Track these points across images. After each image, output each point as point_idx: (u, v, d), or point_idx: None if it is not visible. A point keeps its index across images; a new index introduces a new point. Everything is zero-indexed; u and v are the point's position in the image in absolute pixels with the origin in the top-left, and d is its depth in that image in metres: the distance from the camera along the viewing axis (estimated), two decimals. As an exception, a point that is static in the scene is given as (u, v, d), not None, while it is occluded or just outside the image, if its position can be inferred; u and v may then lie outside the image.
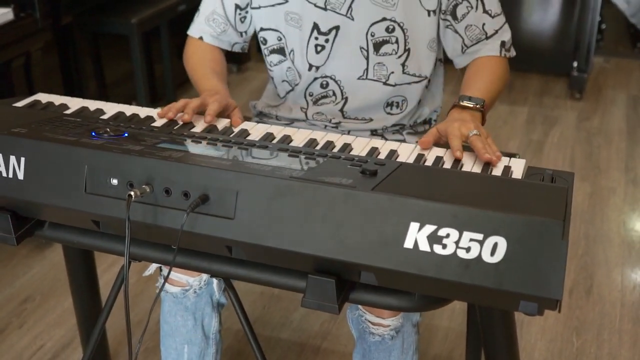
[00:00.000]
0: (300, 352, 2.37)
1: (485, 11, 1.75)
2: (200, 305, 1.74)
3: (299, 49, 1.79)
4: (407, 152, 1.46)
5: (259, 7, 1.80)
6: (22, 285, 2.68)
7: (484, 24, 1.76)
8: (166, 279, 1.29)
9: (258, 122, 1.89)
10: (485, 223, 1.07)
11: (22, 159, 1.28)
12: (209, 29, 1.88)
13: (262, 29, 1.83)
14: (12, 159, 1.29)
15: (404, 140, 1.81)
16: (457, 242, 1.07)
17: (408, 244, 1.09)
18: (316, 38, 1.76)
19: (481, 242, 1.07)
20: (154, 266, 1.75)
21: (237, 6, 1.84)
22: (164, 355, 1.84)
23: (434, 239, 1.08)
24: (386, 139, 1.77)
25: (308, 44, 1.77)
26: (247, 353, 2.36)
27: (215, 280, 1.73)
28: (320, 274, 1.19)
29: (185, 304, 1.74)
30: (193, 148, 1.30)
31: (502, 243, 1.06)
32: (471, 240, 1.07)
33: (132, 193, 1.16)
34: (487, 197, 1.16)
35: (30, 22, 2.67)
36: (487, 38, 1.76)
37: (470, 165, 1.43)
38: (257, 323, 2.49)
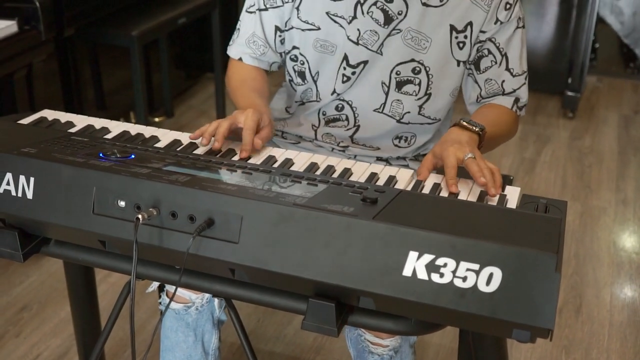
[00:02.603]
0: (293, 366, 2.40)
1: (507, 69, 1.79)
2: (201, 322, 1.77)
3: (328, 72, 1.81)
4: (405, 178, 1.49)
5: (292, 28, 1.83)
6: (19, 294, 2.71)
7: (503, 81, 1.79)
8: (172, 298, 1.32)
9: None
10: (481, 254, 1.11)
11: (32, 179, 1.32)
12: (249, 50, 1.90)
13: (294, 47, 1.85)
14: (22, 178, 1.32)
15: (407, 166, 1.85)
16: (454, 272, 1.11)
17: (407, 272, 1.13)
18: (344, 68, 1.79)
19: (477, 272, 1.11)
20: (156, 283, 1.79)
21: (277, 28, 1.86)
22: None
23: (431, 267, 1.12)
24: (391, 164, 1.82)
25: (338, 72, 1.80)
26: (241, 366, 2.39)
27: (216, 299, 1.76)
28: (320, 297, 1.23)
29: (186, 320, 1.77)
30: (198, 172, 1.33)
31: (498, 273, 1.10)
32: (468, 270, 1.11)
33: (140, 216, 1.20)
34: (483, 227, 1.20)
35: (33, 34, 2.70)
36: (502, 95, 1.80)
37: (466, 191, 1.47)
38: (251, 336, 2.51)
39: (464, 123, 1.62)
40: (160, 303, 1.96)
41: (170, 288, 1.77)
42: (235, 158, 1.55)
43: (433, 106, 1.83)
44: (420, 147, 1.89)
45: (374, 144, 1.86)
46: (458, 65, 1.78)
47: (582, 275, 2.90)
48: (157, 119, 3.97)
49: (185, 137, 1.63)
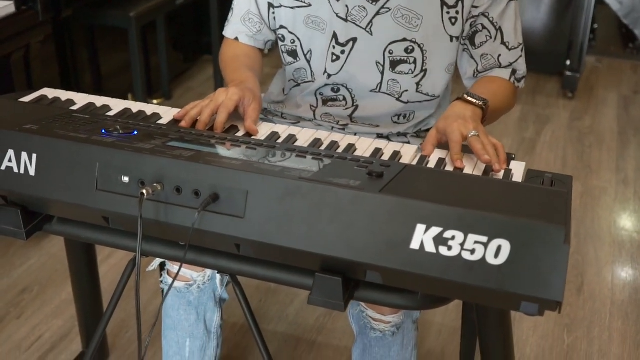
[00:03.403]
0: (295, 345, 2.40)
1: (503, 42, 1.77)
2: (203, 300, 1.77)
3: (319, 51, 1.79)
4: (410, 154, 1.49)
5: (280, 6, 1.81)
6: (19, 276, 2.70)
7: (499, 55, 1.78)
8: (176, 276, 1.31)
9: (263, 119, 1.91)
10: (490, 226, 1.10)
11: (34, 156, 1.31)
12: (245, 28, 1.88)
13: (281, 27, 1.84)
14: (24, 155, 1.31)
15: (408, 142, 1.84)
16: (462, 244, 1.11)
17: (414, 245, 1.12)
18: (333, 47, 1.77)
19: (485, 245, 1.10)
20: (157, 262, 1.78)
21: (270, 4, 1.84)
22: (165, 348, 1.86)
23: (439, 240, 1.11)
24: (391, 141, 1.80)
25: (328, 50, 1.78)
26: (244, 345, 2.39)
27: (218, 276, 1.75)
28: (327, 272, 1.22)
29: (188, 298, 1.76)
30: (202, 147, 1.32)
31: (506, 246, 1.09)
32: (476, 242, 1.10)
33: (144, 191, 1.19)
34: (491, 200, 1.19)
35: (31, 15, 2.68)
36: (499, 68, 1.79)
37: (471, 166, 1.46)
38: (253, 317, 2.51)
39: (467, 97, 1.61)
40: (161, 282, 1.96)
41: (171, 267, 1.77)
42: (240, 134, 1.54)
43: (430, 83, 1.81)
44: (421, 123, 1.88)
45: (373, 122, 1.84)
46: (451, 40, 1.77)
47: (583, 254, 2.90)
48: (155, 101, 3.95)
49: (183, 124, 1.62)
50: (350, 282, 1.24)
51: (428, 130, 1.90)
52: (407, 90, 1.79)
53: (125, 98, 3.74)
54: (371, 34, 1.73)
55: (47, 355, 2.34)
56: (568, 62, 4.32)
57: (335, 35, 1.76)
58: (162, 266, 1.83)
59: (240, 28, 1.89)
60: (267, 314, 2.53)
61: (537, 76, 4.57)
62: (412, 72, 1.77)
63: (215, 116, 1.58)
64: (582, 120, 4.09)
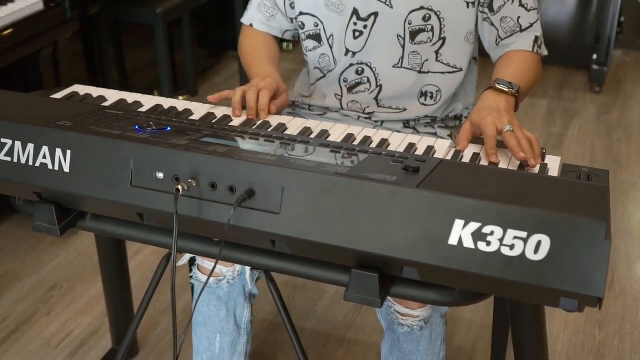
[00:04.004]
0: (325, 341, 2.39)
1: (521, 4, 1.76)
2: (233, 295, 1.76)
3: (338, 33, 1.80)
4: (444, 148, 1.47)
5: None
6: (48, 273, 2.71)
7: (519, 17, 1.77)
8: (211, 273, 1.31)
9: (291, 112, 1.91)
10: (529, 221, 1.08)
11: (68, 152, 1.31)
12: (260, 15, 1.91)
13: (301, 13, 1.84)
14: (58, 152, 1.31)
15: (435, 133, 1.83)
16: (501, 240, 1.09)
17: (452, 240, 1.11)
18: (355, 23, 1.77)
19: (525, 240, 1.09)
20: (187, 257, 1.78)
21: None
22: (196, 344, 1.86)
23: (478, 236, 1.10)
24: (418, 131, 1.80)
25: (347, 28, 1.78)
26: (273, 342, 2.39)
27: (248, 271, 1.75)
28: (363, 268, 1.21)
29: (218, 294, 1.76)
30: (236, 143, 1.32)
31: (546, 241, 1.08)
32: (515, 238, 1.09)
33: (180, 187, 1.18)
34: (530, 195, 1.18)
35: (59, 12, 2.68)
36: (521, 31, 1.77)
37: (506, 161, 1.44)
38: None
39: (499, 86, 1.60)
40: (191, 277, 1.96)
41: (201, 262, 1.76)
42: (272, 128, 1.54)
43: (450, 51, 1.80)
44: (447, 108, 1.87)
45: (400, 105, 1.83)
46: (467, 7, 1.76)
47: (613, 249, 2.87)
48: (181, 98, 3.94)
49: (219, 110, 1.62)
50: (386, 278, 1.23)
51: (455, 117, 1.89)
52: (427, 60, 1.79)
53: (151, 95, 3.77)
54: (391, 7, 1.74)
55: (77, 351, 2.34)
56: (595, 56, 4.28)
57: (355, 11, 1.76)
58: (191, 261, 1.82)
59: (256, 15, 1.92)
60: (295, 310, 2.53)
61: (564, 70, 4.53)
62: (431, 40, 1.77)
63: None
64: (609, 114, 4.05)
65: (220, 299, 1.77)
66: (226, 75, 4.48)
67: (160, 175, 1.25)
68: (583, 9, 4.36)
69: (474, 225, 1.10)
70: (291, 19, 1.90)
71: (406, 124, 1.83)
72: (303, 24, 1.85)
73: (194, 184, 1.21)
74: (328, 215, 1.16)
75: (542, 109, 4.06)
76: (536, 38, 1.78)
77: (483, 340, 2.40)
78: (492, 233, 1.10)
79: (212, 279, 1.75)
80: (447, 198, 1.11)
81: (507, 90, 1.60)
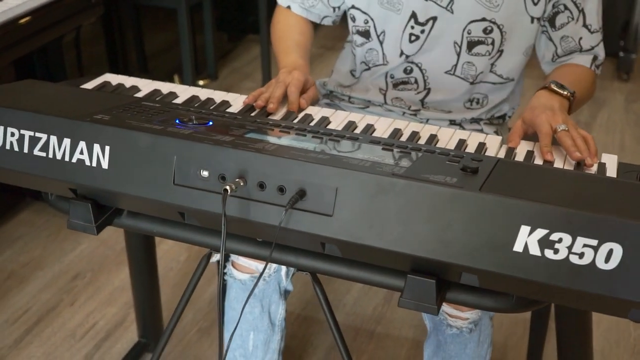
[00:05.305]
0: (355, 335, 2.34)
1: (585, 25, 1.70)
2: (268, 292, 1.71)
3: (393, 33, 1.73)
4: (495, 145, 1.42)
5: None
6: (71, 262, 2.66)
7: (580, 38, 1.71)
8: (260, 275, 1.25)
9: (329, 103, 1.85)
10: (600, 229, 1.02)
11: (107, 148, 1.25)
12: None
13: (353, 7, 1.78)
14: (96, 147, 1.25)
15: (481, 130, 1.77)
16: (569, 248, 1.03)
17: (518, 247, 1.05)
18: (412, 27, 1.70)
19: (595, 248, 1.02)
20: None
21: None
22: (227, 341, 1.81)
23: (545, 243, 1.04)
24: (464, 128, 1.74)
25: (404, 31, 1.72)
26: (301, 336, 2.34)
27: (283, 268, 1.70)
28: (419, 274, 1.15)
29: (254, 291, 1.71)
30: (282, 139, 1.26)
31: (618, 250, 1.02)
32: (585, 246, 1.03)
33: (228, 187, 1.12)
34: (598, 200, 1.11)
35: (83, -4, 2.63)
36: (580, 52, 1.71)
37: (561, 159, 1.39)
38: (309, 306, 2.46)
39: (554, 87, 1.55)
40: (225, 274, 1.90)
41: (236, 258, 1.71)
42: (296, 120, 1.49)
43: (505, 64, 1.75)
44: (494, 108, 1.80)
45: (446, 108, 1.77)
46: (532, 22, 1.70)
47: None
48: (201, 82, 3.89)
49: (258, 103, 1.56)
50: (443, 284, 1.17)
51: (501, 116, 1.83)
52: (482, 72, 1.73)
53: (171, 79, 3.72)
54: (452, 12, 1.67)
55: (102, 343, 2.30)
56: (622, 43, 4.20)
57: (414, 15, 1.69)
58: (225, 257, 1.77)
59: None
60: (323, 303, 2.47)
61: (590, 57, 4.44)
62: (489, 54, 1.71)
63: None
64: (638, 102, 3.98)
65: (254, 296, 1.72)
66: (246, 59, 4.42)
67: (205, 173, 1.19)
68: (612, -4, 4.29)
69: (541, 232, 1.04)
70: (333, 8, 1.83)
71: (452, 122, 1.77)
72: (354, 17, 1.78)
73: (241, 184, 1.16)
74: (384, 219, 1.10)
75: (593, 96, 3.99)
76: (595, 58, 1.71)
77: (515, 336, 2.35)
78: (560, 240, 1.04)
79: (247, 276, 1.70)
80: (512, 202, 1.05)
81: (561, 92, 1.55)
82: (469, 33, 1.68)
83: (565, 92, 1.55)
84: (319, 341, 2.32)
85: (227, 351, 1.19)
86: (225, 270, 1.81)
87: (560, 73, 1.71)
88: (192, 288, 1.44)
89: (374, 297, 2.49)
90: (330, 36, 4.56)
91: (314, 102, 1.67)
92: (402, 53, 1.74)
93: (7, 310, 2.42)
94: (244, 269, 1.70)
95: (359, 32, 1.79)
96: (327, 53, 4.39)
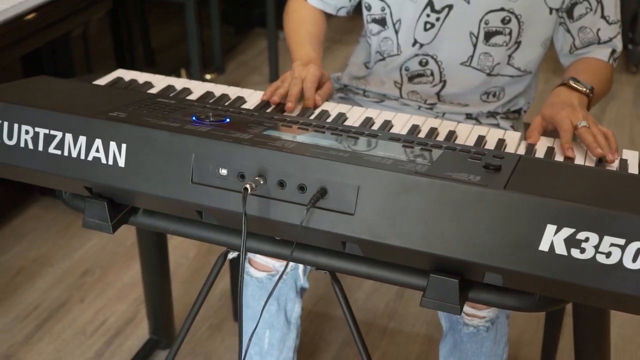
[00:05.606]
0: (367, 332, 2.33)
1: (603, 16, 1.68)
2: (284, 290, 1.70)
3: (407, 21, 1.71)
4: (514, 141, 1.40)
5: None
6: (80, 258, 2.65)
7: (599, 29, 1.69)
8: (280, 277, 1.23)
9: (343, 97, 1.83)
10: (628, 228, 1.00)
11: (124, 146, 1.23)
12: None
13: None
14: (113, 145, 1.24)
15: (497, 125, 1.76)
16: (596, 247, 1.02)
17: (543, 247, 1.03)
18: (428, 15, 1.69)
19: (623, 248, 1.01)
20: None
21: None
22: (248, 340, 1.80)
23: (571, 242, 1.02)
24: (480, 122, 1.72)
25: (419, 19, 1.70)
26: (313, 332, 2.32)
27: (300, 266, 1.68)
28: (442, 273, 1.14)
29: (269, 288, 1.69)
30: (301, 137, 1.24)
31: (646, 249, 1.00)
32: (612, 245, 1.01)
33: (248, 186, 1.11)
34: (624, 198, 1.10)
35: (93, -10, 2.61)
36: (598, 44, 1.69)
37: (582, 157, 1.37)
38: (321, 301, 2.45)
39: (573, 83, 1.54)
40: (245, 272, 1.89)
41: (253, 255, 1.69)
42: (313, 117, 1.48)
43: (522, 56, 1.73)
44: (510, 102, 1.79)
45: (462, 101, 1.76)
46: (550, 13, 1.69)
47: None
48: (208, 76, 3.88)
49: (274, 100, 1.54)
50: (466, 284, 1.16)
51: (517, 111, 1.81)
52: (498, 63, 1.72)
53: (177, 73, 3.70)
54: (468, 2, 1.65)
55: (112, 340, 2.29)
56: (631, 35, 4.17)
57: (430, 3, 1.67)
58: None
59: None
60: (335, 299, 2.45)
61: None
62: (507, 44, 1.69)
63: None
64: (647, 95, 3.96)
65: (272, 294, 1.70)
66: (253, 53, 4.40)
67: (224, 171, 1.17)
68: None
69: (567, 231, 1.02)
70: None
71: (468, 116, 1.76)
72: (370, 6, 1.76)
73: (261, 182, 1.14)
74: (406, 217, 1.08)
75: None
76: (613, 51, 1.70)
77: (529, 332, 2.33)
78: (586, 239, 1.02)
79: (263, 274, 1.69)
80: (538, 200, 1.03)
81: (580, 88, 1.54)
82: (486, 23, 1.66)
83: (584, 89, 1.53)
84: (332, 338, 2.30)
85: (246, 351, 1.17)
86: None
87: (578, 68, 1.69)
88: (208, 288, 1.42)
89: (386, 293, 2.48)
90: (338, 29, 4.53)
91: (329, 97, 1.65)
92: (415, 42, 1.72)
93: (17, 307, 2.40)
94: (260, 267, 1.69)
95: (374, 21, 1.77)
96: (334, 46, 4.37)
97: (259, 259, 1.67)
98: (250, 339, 1.17)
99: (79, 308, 2.42)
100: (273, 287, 1.19)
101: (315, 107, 1.55)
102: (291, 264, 1.67)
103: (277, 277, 1.66)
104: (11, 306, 2.41)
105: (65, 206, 1.48)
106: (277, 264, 1.66)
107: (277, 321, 1.73)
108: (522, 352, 2.26)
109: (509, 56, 1.72)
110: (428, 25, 1.69)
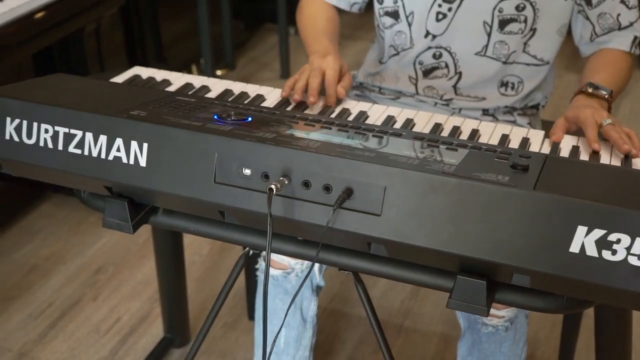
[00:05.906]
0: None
1: (622, 1, 1.66)
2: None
3: (419, 13, 1.70)
4: (538, 140, 1.39)
5: None
6: (93, 255, 2.64)
7: (619, 15, 1.67)
8: (307, 276, 1.22)
9: (358, 95, 1.82)
10: (660, 229, 0.99)
11: (145, 145, 1.21)
12: None
13: None
14: (134, 144, 1.22)
15: (514, 121, 1.74)
16: (628, 249, 1.00)
17: (574, 248, 1.02)
18: (439, 5, 1.67)
19: (655, 249, 0.99)
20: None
21: None
22: (258, 338, 1.79)
23: (603, 244, 1.01)
24: (497, 119, 1.71)
25: (430, 9, 1.68)
26: (328, 331, 2.31)
27: (317, 264, 1.67)
28: (469, 274, 1.12)
29: (285, 287, 1.68)
30: (325, 136, 1.22)
31: (679, 250, 0.99)
32: (644, 246, 1.00)
33: (273, 186, 1.09)
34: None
35: (106, -14, 2.61)
36: (619, 29, 1.67)
37: (607, 155, 1.35)
38: (335, 299, 2.44)
39: (591, 90, 1.53)
40: (257, 269, 1.88)
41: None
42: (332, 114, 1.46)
43: (538, 44, 1.71)
44: (527, 97, 1.77)
45: (479, 94, 1.74)
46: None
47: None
48: (219, 72, 3.86)
49: (295, 98, 1.52)
50: (494, 285, 1.14)
51: (534, 106, 1.80)
52: (514, 51, 1.70)
53: (188, 68, 3.69)
54: None
55: (127, 338, 2.28)
56: (644, 30, 4.14)
57: None
58: (257, 253, 1.74)
59: None
60: (349, 297, 2.45)
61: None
62: (522, 32, 1.68)
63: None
64: (661, 91, 3.93)
65: (287, 292, 1.69)
66: (263, 49, 4.38)
67: (248, 171, 1.16)
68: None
69: (598, 232, 1.01)
70: None
71: (485, 111, 1.74)
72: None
73: (286, 182, 1.12)
74: (434, 218, 1.07)
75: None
76: (635, 38, 1.67)
77: (545, 330, 2.32)
78: (618, 241, 1.00)
79: (279, 272, 1.67)
80: (568, 201, 1.02)
81: (599, 93, 1.54)
82: (500, 11, 1.65)
83: (603, 93, 1.52)
84: (347, 336, 2.29)
85: (271, 351, 1.16)
86: (256, 266, 1.78)
87: (597, 66, 1.67)
88: (229, 288, 1.40)
89: (400, 291, 2.47)
90: (349, 25, 4.51)
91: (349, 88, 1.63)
92: (428, 33, 1.70)
93: (30, 305, 2.40)
94: (276, 265, 1.68)
95: (387, 14, 1.75)
96: (345, 42, 4.34)
97: (274, 257, 1.65)
98: (266, 338, 1.15)
99: (92, 306, 2.41)
100: (295, 292, 1.17)
101: (338, 99, 1.53)
102: (307, 262, 1.66)
103: (292, 274, 1.66)
104: (24, 304, 2.40)
105: (82, 205, 1.47)
106: (293, 262, 1.65)
107: (293, 320, 1.72)
108: (538, 351, 2.25)
109: (525, 44, 1.70)
110: (440, 16, 1.68)
